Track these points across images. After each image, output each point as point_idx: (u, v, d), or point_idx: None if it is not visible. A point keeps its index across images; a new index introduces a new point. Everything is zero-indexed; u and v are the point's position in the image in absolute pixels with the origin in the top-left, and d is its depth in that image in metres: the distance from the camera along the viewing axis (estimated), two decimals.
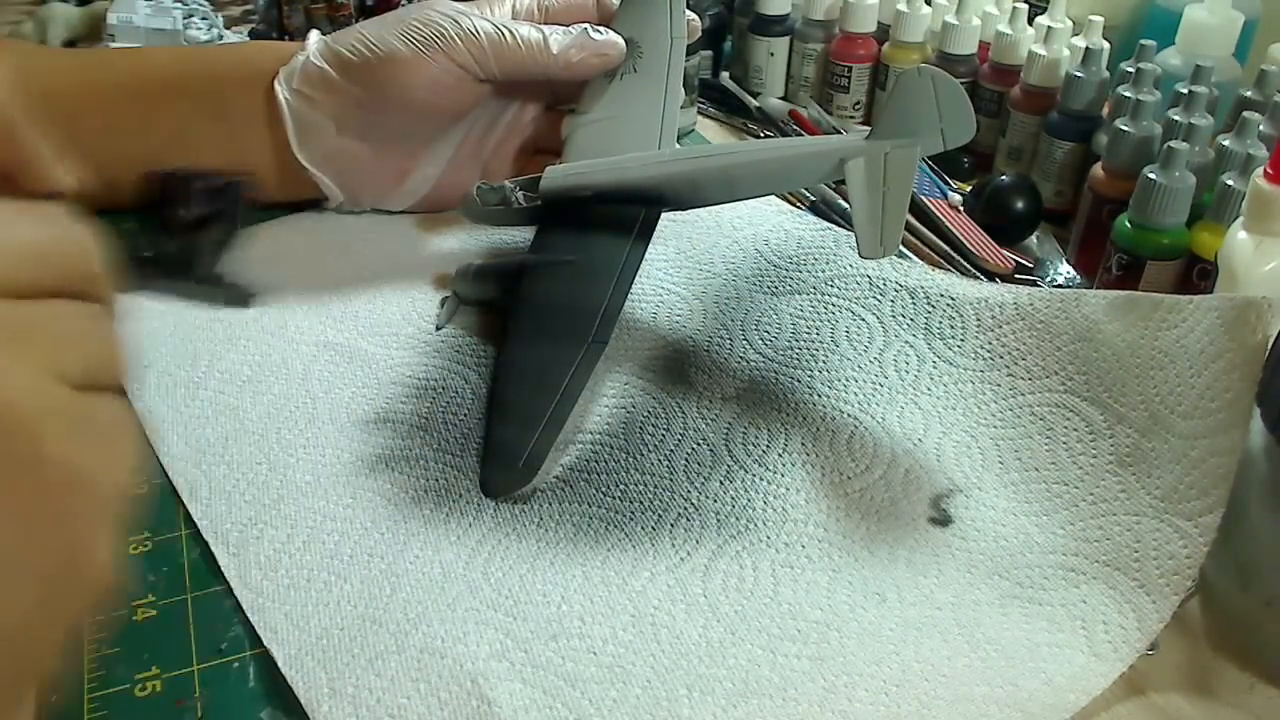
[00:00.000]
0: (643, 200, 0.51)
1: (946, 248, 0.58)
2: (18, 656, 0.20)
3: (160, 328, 0.51)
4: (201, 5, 0.85)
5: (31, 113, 0.51)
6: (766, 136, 0.74)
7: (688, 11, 0.59)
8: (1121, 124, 0.56)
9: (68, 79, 0.55)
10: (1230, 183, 0.50)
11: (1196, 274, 0.52)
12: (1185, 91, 0.56)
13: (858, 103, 0.76)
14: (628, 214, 0.51)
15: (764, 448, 0.46)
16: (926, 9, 0.71)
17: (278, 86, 0.55)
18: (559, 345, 0.47)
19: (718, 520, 0.43)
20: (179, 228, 0.30)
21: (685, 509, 0.43)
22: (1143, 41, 0.60)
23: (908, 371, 0.49)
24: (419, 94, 0.53)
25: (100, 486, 0.22)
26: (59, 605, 0.21)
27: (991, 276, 0.56)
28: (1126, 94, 0.58)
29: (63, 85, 0.54)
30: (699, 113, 0.77)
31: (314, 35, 0.56)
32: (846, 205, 0.62)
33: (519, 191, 0.54)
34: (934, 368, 0.48)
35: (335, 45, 0.55)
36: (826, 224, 0.58)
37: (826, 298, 0.53)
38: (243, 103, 0.55)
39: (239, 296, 0.31)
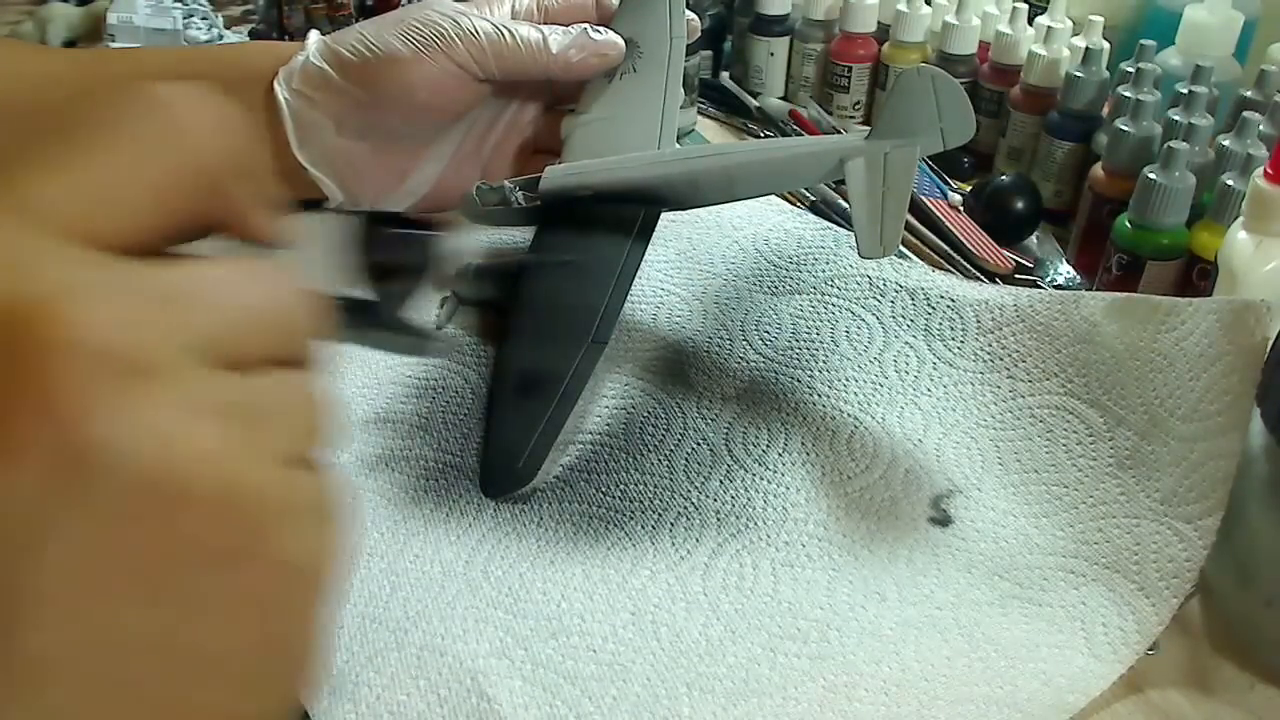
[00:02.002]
0: (642, 200, 0.51)
1: (946, 248, 0.58)
2: None
3: None
4: (201, 5, 0.85)
5: (25, 115, 0.51)
6: (766, 136, 0.74)
7: (687, 11, 0.59)
8: (1121, 124, 0.56)
9: (65, 78, 0.55)
10: (1230, 183, 0.50)
11: (1196, 274, 0.52)
12: (1185, 91, 0.56)
13: (858, 103, 0.76)
14: (627, 214, 0.51)
15: (764, 448, 0.46)
16: (926, 9, 0.71)
17: (277, 86, 0.55)
18: (558, 346, 0.47)
19: (718, 519, 0.43)
20: (372, 273, 0.29)
21: (685, 508, 0.43)
22: (1143, 41, 0.60)
23: (908, 372, 0.49)
24: (419, 94, 0.53)
25: (313, 574, 0.20)
26: (266, 699, 0.20)
27: (991, 277, 0.56)
28: (1126, 94, 0.58)
29: (61, 86, 0.54)
30: (699, 113, 0.77)
31: (313, 35, 0.56)
32: (846, 205, 0.62)
33: (518, 191, 0.54)
34: (934, 369, 0.48)
35: (335, 45, 0.55)
36: (826, 224, 0.58)
37: (826, 298, 0.53)
38: (242, 103, 0.55)
39: (421, 344, 0.30)
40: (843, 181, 0.46)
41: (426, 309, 0.28)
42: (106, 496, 0.17)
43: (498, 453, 0.45)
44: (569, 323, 0.47)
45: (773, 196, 0.61)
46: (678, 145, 0.54)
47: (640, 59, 0.57)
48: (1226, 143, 0.54)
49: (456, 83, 0.54)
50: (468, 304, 0.54)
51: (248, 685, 0.20)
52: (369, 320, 0.28)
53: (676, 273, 0.57)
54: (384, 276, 0.28)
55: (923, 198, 0.62)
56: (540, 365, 0.46)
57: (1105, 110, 0.62)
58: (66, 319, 0.16)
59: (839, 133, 0.70)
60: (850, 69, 0.75)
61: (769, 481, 0.44)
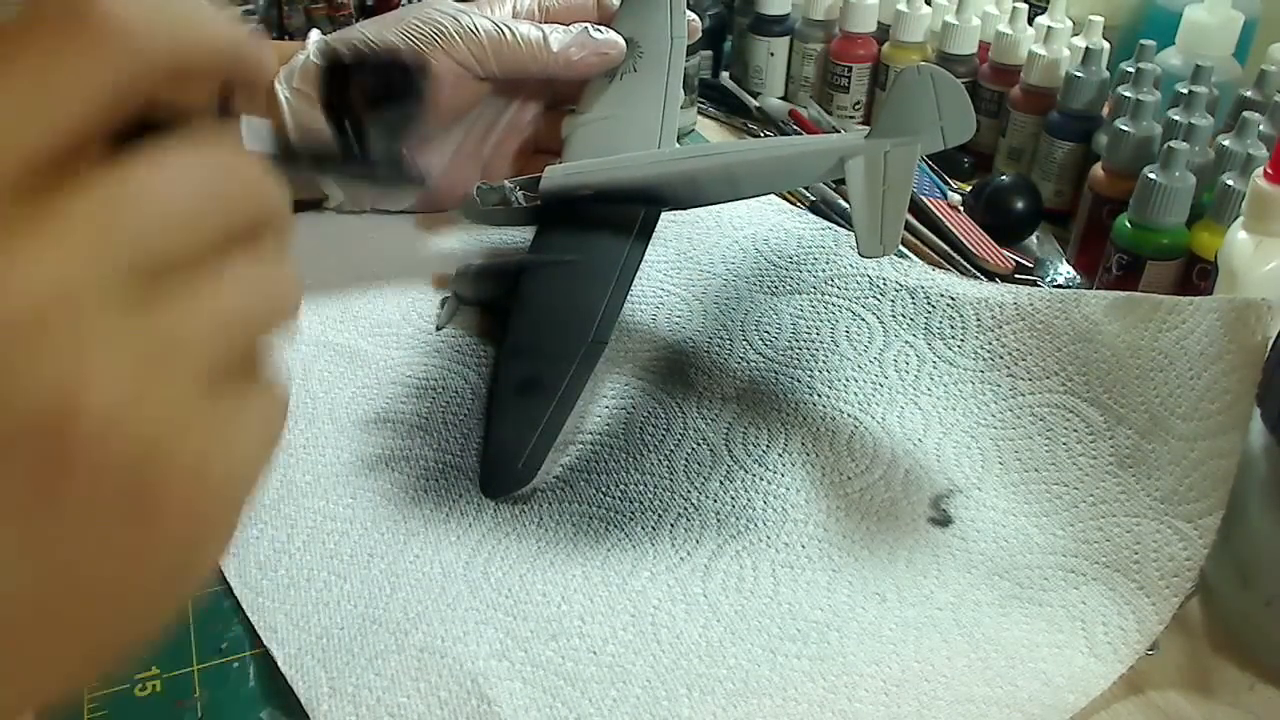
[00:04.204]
0: (643, 200, 0.51)
1: (946, 248, 0.58)
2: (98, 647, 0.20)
3: None
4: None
5: None
6: (767, 136, 0.74)
7: (688, 11, 0.59)
8: (1121, 124, 0.56)
9: None
10: (1230, 183, 0.50)
11: (1196, 274, 0.52)
12: (1185, 91, 0.56)
13: (858, 103, 0.76)
14: (628, 214, 0.51)
15: (764, 448, 0.46)
16: (926, 9, 0.71)
17: (277, 85, 0.55)
18: (559, 345, 0.47)
19: (718, 520, 0.43)
20: (351, 116, 0.28)
21: (685, 509, 0.43)
22: (1143, 41, 0.60)
23: (908, 371, 0.48)
24: None
25: (225, 491, 0.20)
26: (148, 615, 0.21)
27: (991, 276, 0.56)
28: (1126, 94, 0.58)
29: None
30: (699, 113, 0.77)
31: (314, 34, 0.57)
32: (846, 205, 0.62)
33: (519, 191, 0.54)
34: (934, 368, 0.48)
35: (335, 44, 0.55)
36: (826, 223, 0.58)
37: (826, 297, 0.53)
38: (243, 102, 0.55)
39: (395, 174, 0.28)
40: (843, 181, 0.46)
41: (398, 143, 0.28)
42: (3, 444, 0.17)
43: (498, 453, 0.45)
44: (569, 322, 0.47)
45: (772, 196, 0.61)
46: (678, 145, 0.54)
47: (641, 59, 0.57)
48: (1226, 143, 0.54)
49: (457, 81, 0.54)
50: (468, 304, 0.54)
51: (123, 614, 0.20)
52: (338, 162, 0.28)
53: (676, 273, 0.57)
54: (351, 117, 0.28)
55: (923, 198, 0.62)
56: (540, 365, 0.46)
57: (1105, 110, 0.62)
58: None
59: (839, 132, 0.70)
60: (850, 69, 0.75)
61: (769, 482, 0.44)
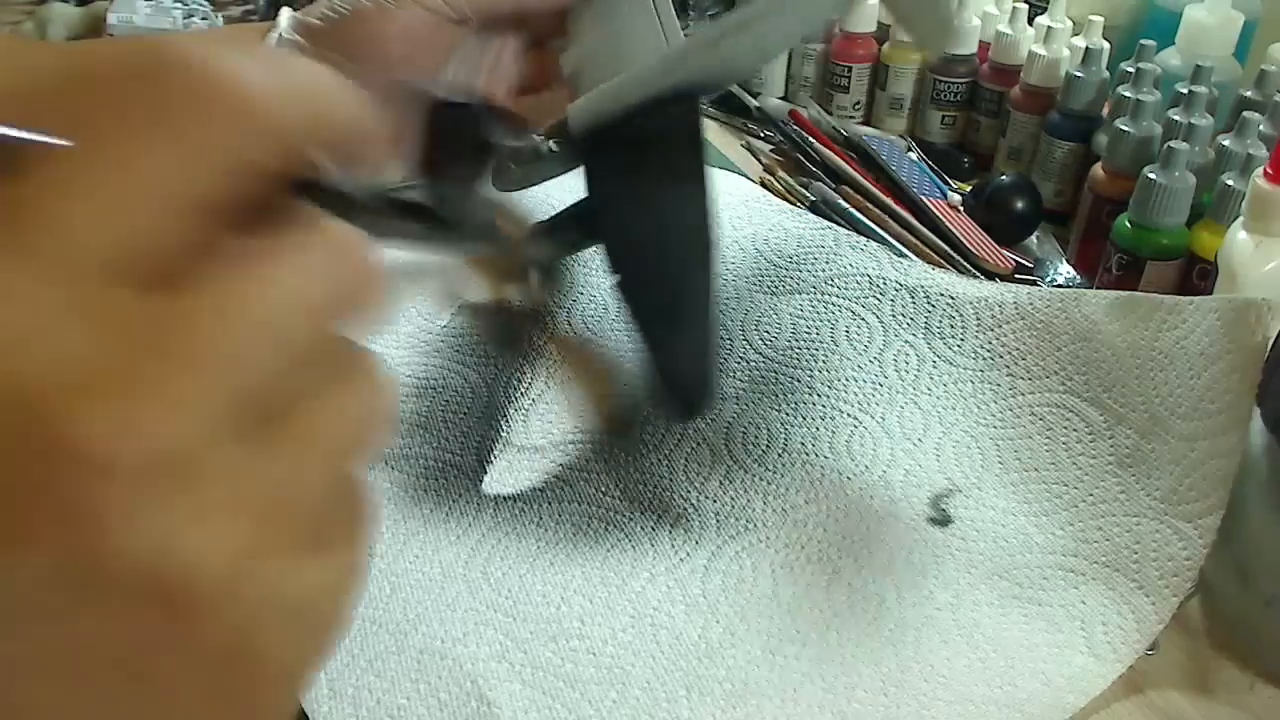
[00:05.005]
0: (678, 98, 0.46)
1: (946, 248, 0.58)
2: None
3: None
4: (201, 5, 0.85)
5: (10, 110, 0.50)
6: (766, 137, 0.74)
7: None
8: (1121, 124, 0.56)
9: (49, 71, 0.54)
10: (1230, 183, 0.50)
11: (1196, 274, 0.52)
12: (1185, 91, 0.56)
13: (858, 103, 0.76)
14: (674, 116, 0.47)
15: (764, 448, 0.46)
16: None
17: None
18: (678, 264, 0.45)
19: (717, 520, 0.43)
20: (427, 165, 0.25)
21: (685, 509, 0.43)
22: (1143, 41, 0.60)
23: (908, 371, 0.48)
24: (393, 47, 0.51)
25: (279, 671, 0.19)
26: None
27: (991, 276, 0.56)
28: (1126, 94, 0.58)
29: (46, 80, 0.54)
30: None
31: (285, 12, 0.55)
32: (846, 205, 0.62)
33: (547, 142, 0.51)
34: (934, 367, 0.48)
35: (304, 18, 0.53)
36: (826, 223, 0.58)
37: (826, 297, 0.53)
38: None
39: (489, 236, 0.25)
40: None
41: (486, 199, 0.24)
42: (110, 600, 0.16)
43: (684, 381, 0.44)
44: (678, 238, 0.46)
45: (772, 196, 0.61)
46: (684, 35, 0.51)
47: None
48: (1226, 143, 0.54)
49: (430, 30, 0.51)
50: (547, 266, 0.52)
51: None
52: (426, 220, 0.25)
53: None
54: (441, 168, 0.25)
55: (922, 198, 0.62)
56: (670, 290, 0.45)
57: (1105, 110, 0.62)
58: (73, 420, 0.15)
59: (841, 133, 0.70)
60: (850, 69, 0.75)
61: (769, 482, 0.44)
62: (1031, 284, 0.57)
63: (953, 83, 0.70)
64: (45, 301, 0.16)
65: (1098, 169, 0.58)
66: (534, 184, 0.56)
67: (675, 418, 0.44)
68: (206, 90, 0.16)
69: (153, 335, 0.16)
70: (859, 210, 0.62)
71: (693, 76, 0.47)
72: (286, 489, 0.17)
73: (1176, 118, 0.55)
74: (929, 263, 0.55)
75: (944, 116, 0.72)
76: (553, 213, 0.53)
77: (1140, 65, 0.58)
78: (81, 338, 0.16)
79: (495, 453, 0.46)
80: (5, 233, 0.16)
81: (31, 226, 0.16)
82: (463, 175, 0.25)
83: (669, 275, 0.46)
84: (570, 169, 0.52)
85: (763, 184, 0.67)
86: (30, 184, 0.16)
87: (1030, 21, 0.67)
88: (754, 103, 0.77)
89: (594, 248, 0.49)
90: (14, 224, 0.16)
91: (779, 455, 0.46)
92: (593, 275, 0.55)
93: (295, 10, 0.53)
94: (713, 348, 0.44)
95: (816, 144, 0.68)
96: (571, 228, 0.50)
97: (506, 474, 0.45)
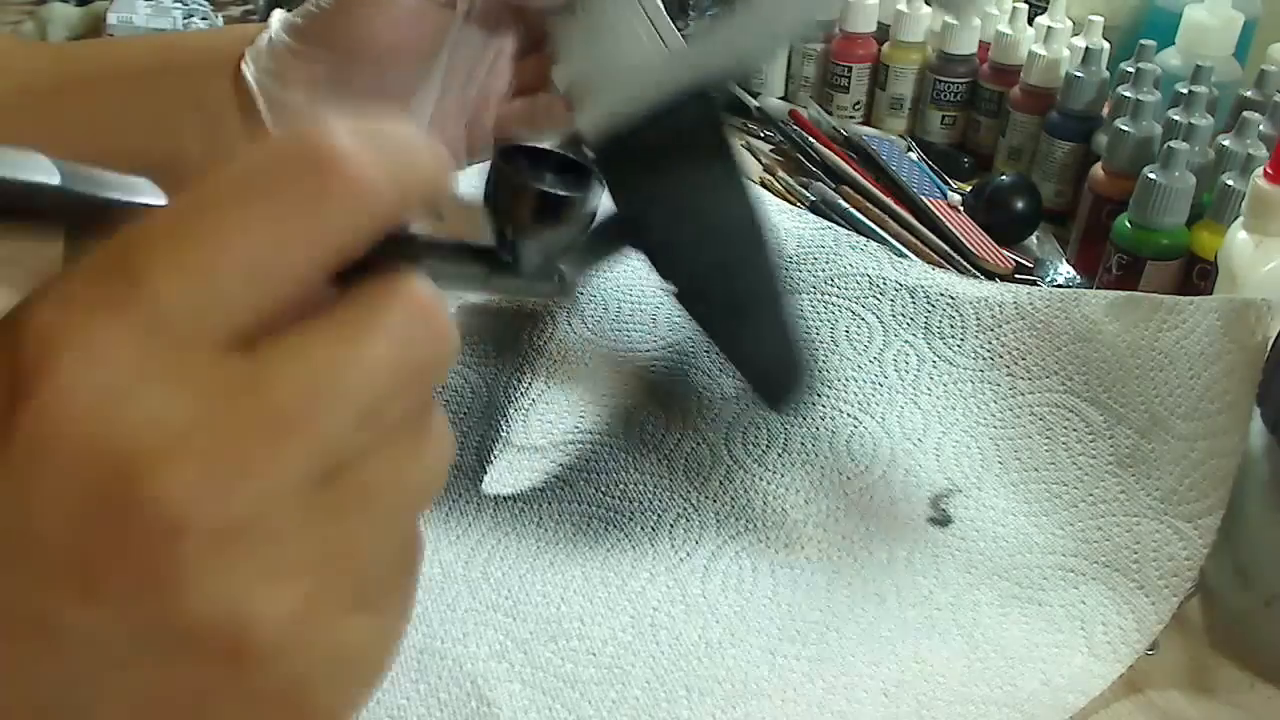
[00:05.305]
0: (694, 97, 0.46)
1: (946, 248, 0.58)
2: None
3: None
4: (201, 5, 0.85)
5: (9, 109, 0.50)
6: (766, 137, 0.74)
7: None
8: (1121, 124, 0.56)
9: (46, 73, 0.54)
10: (1230, 183, 0.50)
11: (1196, 274, 0.52)
12: (1185, 91, 0.56)
13: (858, 103, 0.76)
14: (691, 115, 0.46)
15: (764, 447, 0.46)
16: (926, 9, 0.71)
17: (244, 68, 0.54)
18: (736, 255, 0.45)
19: (717, 520, 0.43)
20: (504, 217, 0.24)
21: (685, 509, 0.43)
22: (1143, 41, 0.60)
23: (907, 371, 0.48)
24: (381, 36, 0.50)
25: (326, 714, 0.19)
26: None
27: (991, 276, 0.56)
28: (1126, 94, 0.58)
29: (42, 80, 0.54)
30: None
31: (277, 13, 0.55)
32: (846, 205, 0.62)
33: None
34: (934, 367, 0.48)
35: (292, 16, 0.53)
36: (826, 223, 0.58)
37: (826, 297, 0.53)
38: (215, 88, 0.54)
39: (557, 289, 0.25)
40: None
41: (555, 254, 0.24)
42: (176, 652, 0.17)
43: (773, 377, 0.44)
44: (728, 231, 0.45)
45: (771, 195, 0.61)
46: (679, 36, 0.50)
47: None
48: (1226, 143, 0.54)
49: (416, 16, 0.50)
50: (586, 271, 0.51)
51: None
52: (506, 271, 0.24)
53: None
54: (526, 226, 0.24)
55: (922, 197, 0.62)
56: (734, 283, 0.45)
57: (1105, 110, 0.62)
58: (153, 483, 0.16)
59: (841, 133, 0.70)
60: (850, 69, 0.75)
61: (769, 482, 0.44)
62: (1031, 284, 0.57)
63: (953, 83, 0.70)
64: (136, 364, 0.16)
65: (1098, 169, 0.58)
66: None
67: (775, 411, 0.44)
68: (320, 169, 0.17)
69: (236, 402, 0.16)
70: (859, 210, 0.62)
71: (705, 69, 0.46)
72: (347, 547, 0.18)
73: (1176, 118, 0.55)
74: (929, 263, 0.55)
75: (944, 116, 0.72)
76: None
77: (1140, 65, 0.58)
78: (168, 403, 0.16)
79: (495, 453, 0.46)
80: (101, 292, 0.16)
81: (124, 287, 0.16)
82: (538, 229, 0.24)
83: (728, 273, 0.45)
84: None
85: (763, 184, 0.67)
86: (126, 244, 0.16)
87: (1030, 21, 0.67)
88: (754, 103, 0.77)
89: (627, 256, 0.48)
90: (108, 284, 0.16)
91: (779, 455, 0.46)
92: (593, 275, 0.55)
93: (288, 10, 0.53)
94: (795, 330, 0.43)
95: (816, 144, 0.68)
96: (603, 241, 0.50)
97: (506, 474, 0.45)
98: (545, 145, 0.27)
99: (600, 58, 0.50)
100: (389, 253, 0.19)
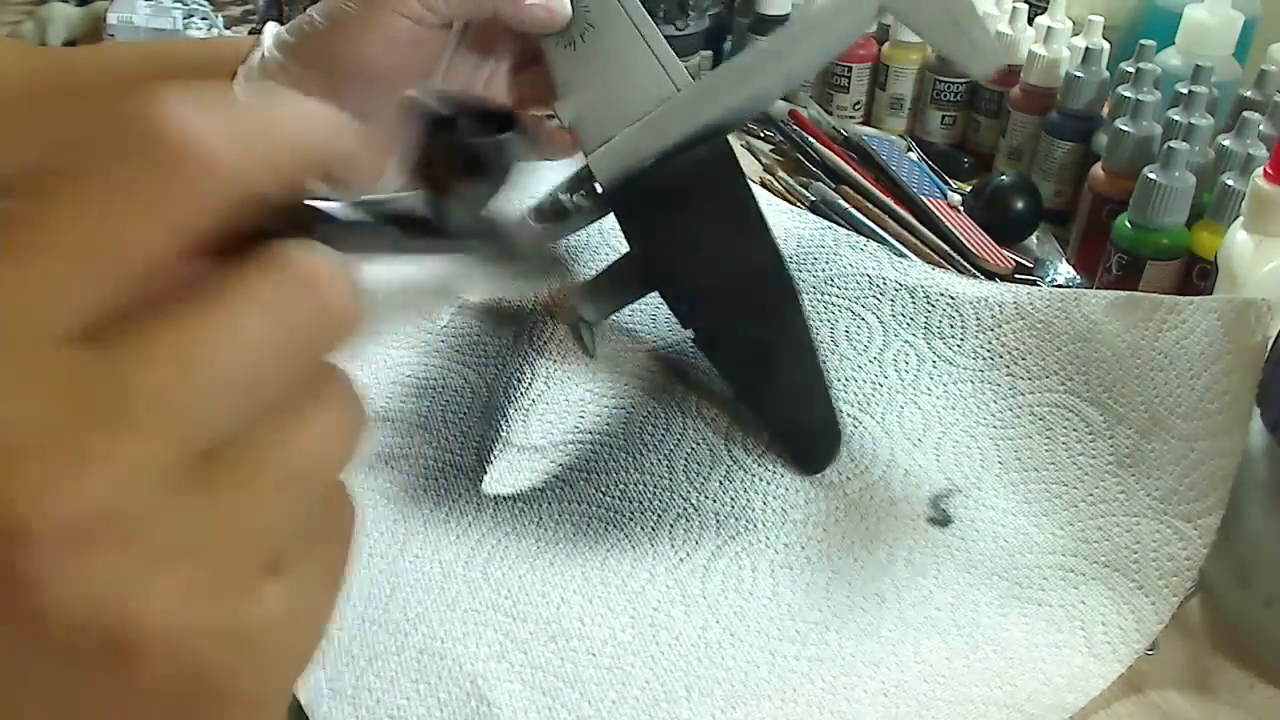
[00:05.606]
0: (707, 138, 0.46)
1: (946, 248, 0.58)
2: None
3: None
4: (201, 5, 0.85)
5: (4, 114, 0.50)
6: (766, 137, 0.74)
7: None
8: (1121, 124, 0.56)
9: (42, 79, 0.54)
10: (1230, 183, 0.50)
11: (1196, 274, 0.52)
12: (1185, 91, 0.56)
13: (858, 103, 0.76)
14: (704, 158, 0.45)
15: (764, 447, 0.46)
16: None
17: (238, 84, 0.54)
18: (760, 302, 0.44)
19: (717, 520, 0.43)
20: (430, 180, 0.24)
21: (685, 509, 0.43)
22: (1143, 41, 0.60)
23: (907, 371, 0.48)
24: (375, 57, 0.50)
25: (249, 698, 0.18)
26: None
27: (991, 276, 0.56)
28: (1126, 94, 0.58)
29: (37, 86, 0.53)
30: None
31: (270, 27, 0.54)
32: (846, 205, 0.62)
33: (572, 196, 0.50)
34: (934, 367, 0.48)
35: (285, 34, 0.52)
36: (826, 223, 0.58)
37: (826, 297, 0.53)
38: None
39: (504, 248, 0.24)
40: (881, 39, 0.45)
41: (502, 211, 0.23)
42: (63, 660, 0.16)
43: (800, 435, 0.45)
44: (751, 275, 0.45)
45: (770, 195, 0.61)
46: (688, 74, 0.50)
47: (589, 12, 0.52)
48: (1226, 143, 0.54)
49: (411, 37, 0.50)
50: (596, 324, 0.51)
51: None
52: (431, 233, 0.23)
53: None
54: (446, 183, 0.24)
55: (923, 197, 0.62)
56: (761, 331, 0.45)
57: (1105, 110, 0.62)
58: (12, 495, 0.15)
59: (841, 133, 0.70)
60: (850, 69, 0.75)
61: (769, 482, 0.44)
62: (1031, 284, 0.57)
63: (953, 83, 0.70)
64: None
65: (1098, 169, 0.58)
66: (564, 237, 0.53)
67: (804, 472, 0.44)
68: (159, 147, 0.16)
69: (80, 394, 0.16)
70: (859, 210, 0.62)
71: (725, 112, 0.45)
72: (238, 524, 0.17)
73: (1176, 118, 0.55)
74: (929, 263, 0.55)
75: (944, 116, 0.72)
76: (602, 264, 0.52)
77: (1140, 65, 0.58)
78: (15, 402, 0.16)
79: (495, 453, 0.46)
80: None
81: None
82: (459, 183, 0.24)
83: (750, 321, 0.44)
84: (596, 219, 0.50)
85: (763, 184, 0.67)
86: None
87: (1030, 21, 0.67)
88: None
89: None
90: None
91: (779, 455, 0.46)
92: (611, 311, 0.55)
93: (290, 19, 0.52)
94: (826, 389, 0.43)
95: (816, 144, 0.68)
96: (619, 284, 0.49)
97: (506, 474, 0.45)
98: (466, 95, 0.26)
99: (605, 92, 0.49)
100: (277, 224, 0.18)
